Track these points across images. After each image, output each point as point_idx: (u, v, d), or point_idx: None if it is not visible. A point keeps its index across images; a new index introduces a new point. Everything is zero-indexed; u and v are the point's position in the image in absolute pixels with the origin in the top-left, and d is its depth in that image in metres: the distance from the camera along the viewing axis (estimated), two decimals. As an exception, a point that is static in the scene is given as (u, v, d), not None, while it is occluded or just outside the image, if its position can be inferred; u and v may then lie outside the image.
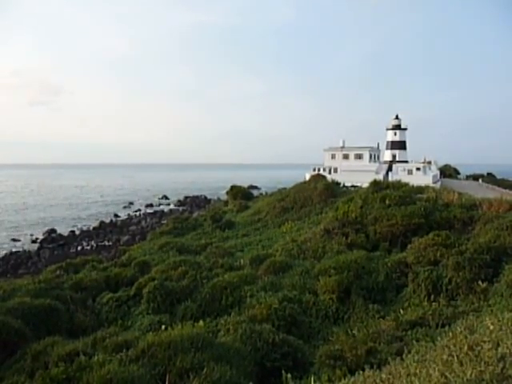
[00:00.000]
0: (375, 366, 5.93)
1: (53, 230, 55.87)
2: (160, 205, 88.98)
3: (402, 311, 12.65)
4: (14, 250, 45.39)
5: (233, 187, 56.86)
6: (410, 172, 50.31)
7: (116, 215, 71.33)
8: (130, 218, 68.28)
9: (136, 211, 76.70)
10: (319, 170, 56.07)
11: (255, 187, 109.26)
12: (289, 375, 7.24)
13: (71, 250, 44.88)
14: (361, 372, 5.67)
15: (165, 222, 55.04)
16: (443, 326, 9.92)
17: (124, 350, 9.18)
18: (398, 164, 55.79)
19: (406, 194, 24.51)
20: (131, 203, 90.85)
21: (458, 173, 72.76)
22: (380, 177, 43.63)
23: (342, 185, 46.50)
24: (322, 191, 39.69)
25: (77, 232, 55.58)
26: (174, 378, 8.12)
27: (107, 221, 63.05)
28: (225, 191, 63.85)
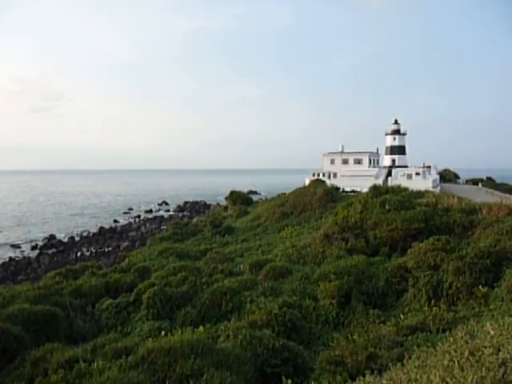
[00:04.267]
0: (376, 372, 5.91)
1: (52, 236, 55.83)
2: (159, 210, 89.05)
3: (402, 316, 12.60)
4: (13, 256, 45.34)
5: (232, 192, 56.86)
6: (409, 177, 50.37)
7: (115, 221, 71.29)
8: (129, 223, 68.26)
9: (136, 217, 76.67)
10: (319, 174, 56.14)
11: (255, 192, 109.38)
12: (289, 381, 7.22)
13: (71, 256, 44.83)
14: (361, 378, 5.65)
15: (164, 227, 55.05)
16: (444, 331, 9.89)
17: (124, 357, 9.15)
18: (397, 169, 55.85)
19: (405, 199, 24.49)
20: (131, 209, 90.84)
21: (458, 177, 72.77)
22: (379, 181, 43.69)
23: (341, 190, 46.51)
24: (321, 196, 39.72)
25: (76, 238, 55.52)
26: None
27: (107, 227, 63.03)
28: (224, 196, 63.86)
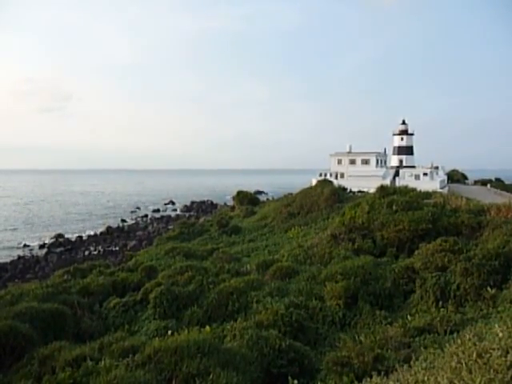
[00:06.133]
0: (383, 373, 5.89)
1: (60, 235, 56.25)
2: (167, 210, 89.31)
3: (409, 317, 12.54)
4: (22, 254, 45.74)
5: (239, 192, 56.91)
6: (417, 177, 50.06)
7: (123, 220, 71.63)
8: (136, 223, 68.57)
9: (143, 216, 76.98)
10: (326, 175, 55.99)
11: (262, 192, 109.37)
12: (295, 381, 7.20)
13: (78, 255, 45.12)
14: (368, 379, 5.64)
15: (171, 227, 55.20)
16: (451, 332, 9.82)
17: (130, 355, 9.19)
18: (405, 169, 55.54)
19: (413, 200, 24.36)
20: (138, 208, 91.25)
21: (466, 178, 72.23)
22: (387, 182, 43.46)
23: (348, 190, 46.36)
24: (328, 196, 39.61)
25: (84, 237, 55.90)
26: (181, 383, 8.11)
27: (114, 226, 63.35)
28: (231, 196, 63.94)
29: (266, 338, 10.52)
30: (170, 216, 75.13)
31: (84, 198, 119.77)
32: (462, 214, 21.99)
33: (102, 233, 58.42)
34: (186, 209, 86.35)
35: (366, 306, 14.65)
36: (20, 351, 11.25)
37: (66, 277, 20.99)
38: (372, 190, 33.57)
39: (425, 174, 50.63)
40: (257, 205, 53.79)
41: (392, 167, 60.03)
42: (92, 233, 59.19)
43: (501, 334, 4.90)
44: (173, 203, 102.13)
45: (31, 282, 23.89)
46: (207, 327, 12.70)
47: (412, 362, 5.60)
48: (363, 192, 44.18)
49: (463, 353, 4.72)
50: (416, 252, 17.83)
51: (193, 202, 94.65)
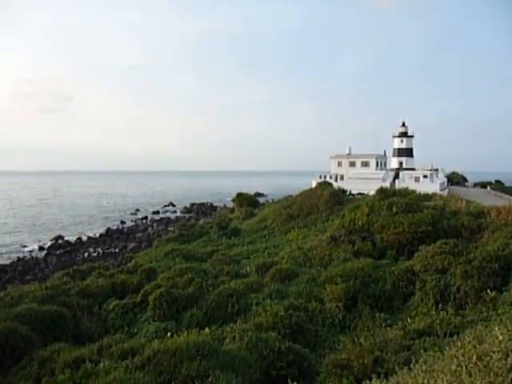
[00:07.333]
0: (382, 376, 5.88)
1: (60, 237, 56.23)
2: (166, 212, 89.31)
3: (409, 320, 12.52)
4: (21, 256, 45.71)
5: (239, 194, 56.92)
6: (417, 179, 50.03)
7: (122, 222, 71.62)
8: (136, 225, 68.56)
9: (142, 218, 76.96)
10: (325, 177, 55.98)
11: (261, 194, 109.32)
12: (295, 384, 7.19)
13: (78, 257, 45.12)
14: (368, 381, 5.62)
15: (171, 229, 55.21)
16: (451, 335, 9.80)
17: (130, 357, 9.18)
18: (404, 171, 55.51)
19: (413, 202, 24.37)
20: (138, 210, 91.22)
21: (466, 180, 72.24)
22: (387, 184, 43.45)
23: (348, 192, 46.37)
24: (328, 199, 39.60)
25: (84, 239, 55.88)
26: (180, 385, 8.10)
27: (114, 228, 63.34)
28: (231, 198, 63.97)
29: (266, 340, 10.51)
30: (169, 218, 75.16)
31: (84, 200, 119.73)
32: (462, 216, 21.99)
33: (101, 235, 58.45)
34: (186, 210, 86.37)
35: (366, 308, 14.63)
36: (19, 353, 11.24)
37: (65, 279, 20.96)
38: (372, 192, 33.56)
39: (425, 176, 50.59)
40: (257, 207, 53.78)
41: (392, 169, 60.03)
42: (92, 235, 59.18)
43: (501, 337, 4.90)
44: (173, 205, 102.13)
45: (31, 283, 23.88)
46: (206, 329, 12.66)
47: (412, 365, 5.58)
48: (363, 194, 44.17)
49: (463, 355, 4.72)
50: (416, 254, 17.82)
51: (193, 204, 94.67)
